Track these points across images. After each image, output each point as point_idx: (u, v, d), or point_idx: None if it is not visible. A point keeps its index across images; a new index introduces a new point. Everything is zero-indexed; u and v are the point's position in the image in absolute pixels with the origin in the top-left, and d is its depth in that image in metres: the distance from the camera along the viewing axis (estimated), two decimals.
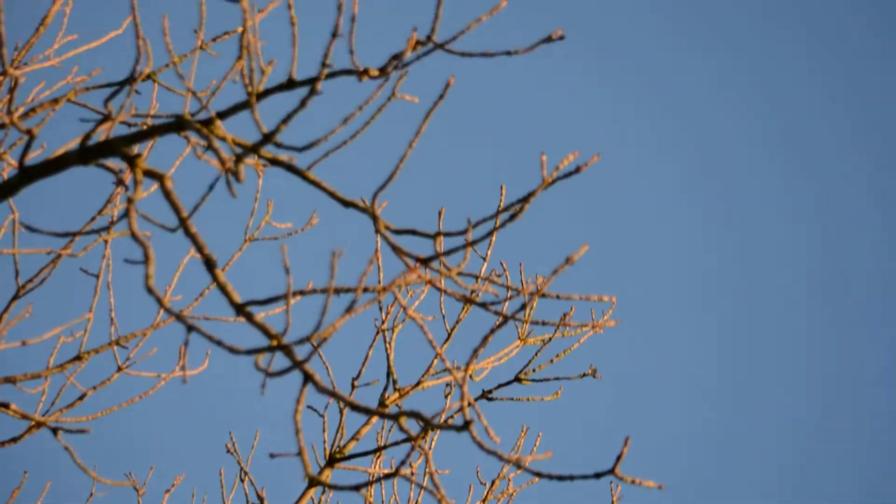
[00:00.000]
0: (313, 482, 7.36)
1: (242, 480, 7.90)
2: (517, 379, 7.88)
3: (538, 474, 3.78)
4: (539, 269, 7.49)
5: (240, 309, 3.94)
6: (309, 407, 7.89)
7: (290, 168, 4.17)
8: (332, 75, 4.05)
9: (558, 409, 8.06)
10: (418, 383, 7.77)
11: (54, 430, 5.49)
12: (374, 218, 4.15)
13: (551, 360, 7.83)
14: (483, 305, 4.25)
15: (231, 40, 6.14)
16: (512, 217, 4.09)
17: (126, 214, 4.05)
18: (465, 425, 3.62)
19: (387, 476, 3.82)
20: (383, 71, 4.08)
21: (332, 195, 4.20)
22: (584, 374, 7.87)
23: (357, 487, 3.71)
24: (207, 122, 4.19)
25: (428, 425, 3.72)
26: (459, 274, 4.20)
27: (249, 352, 3.75)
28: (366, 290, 3.89)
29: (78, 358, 6.65)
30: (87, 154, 4.29)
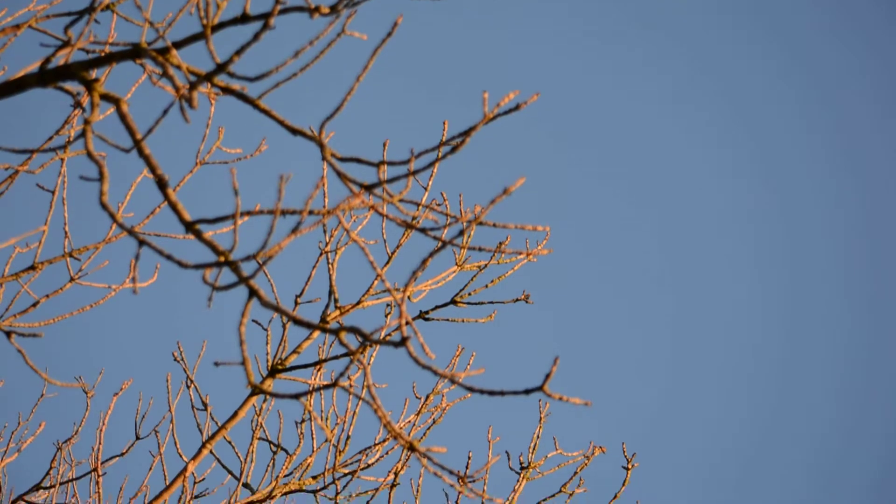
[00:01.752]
0: (255, 390, 7.58)
1: (188, 387, 8.08)
2: (453, 301, 8.08)
3: (471, 389, 3.84)
4: (478, 201, 7.70)
5: (189, 226, 4.03)
6: (253, 321, 8.06)
7: (241, 97, 4.30)
8: (284, 11, 4.16)
9: (492, 332, 8.27)
10: (359, 302, 7.94)
11: (7, 334, 5.57)
12: (321, 146, 4.27)
13: (486, 286, 8.02)
14: (423, 231, 4.38)
15: None
16: (453, 149, 4.17)
17: (83, 135, 4.16)
18: (403, 341, 3.72)
19: (326, 386, 3.96)
20: (334, 9, 4.21)
21: (281, 123, 4.34)
22: (517, 300, 8.05)
23: (297, 396, 3.84)
24: (164, 51, 4.32)
25: (367, 340, 3.80)
26: (401, 201, 4.29)
27: (197, 266, 3.84)
28: (311, 212, 3.99)
29: (32, 268, 6.81)
30: (46, 77, 4.40)
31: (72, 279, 6.93)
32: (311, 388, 4.36)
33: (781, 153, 20.02)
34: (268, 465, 8.16)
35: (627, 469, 7.85)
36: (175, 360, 8.13)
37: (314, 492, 8.18)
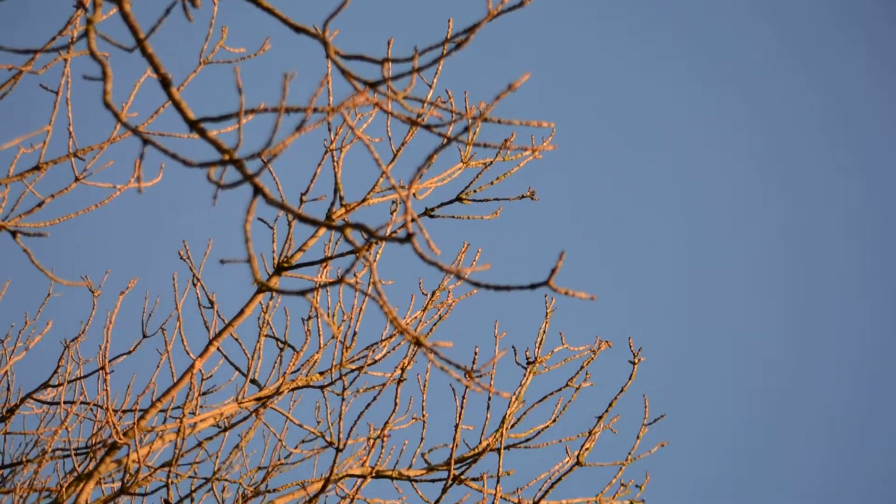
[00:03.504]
0: (262, 288, 7.61)
1: (194, 286, 8.11)
2: (459, 199, 8.08)
3: (477, 284, 3.79)
4: (483, 98, 7.67)
5: (193, 125, 3.99)
6: (259, 219, 8.07)
7: None
8: None
9: (498, 230, 8.29)
10: (364, 200, 7.95)
11: (13, 234, 5.58)
12: (325, 44, 4.25)
13: (492, 183, 8.02)
14: (428, 127, 4.36)
15: None
16: (457, 46, 4.13)
17: (86, 34, 4.12)
18: (408, 237, 3.69)
19: (332, 283, 3.97)
20: None
21: (284, 22, 4.31)
22: (523, 196, 8.06)
23: (303, 293, 3.85)
24: None
25: (372, 237, 3.78)
26: (406, 98, 4.27)
27: (202, 165, 3.80)
28: (315, 110, 3.98)
29: (37, 168, 6.81)
30: None
31: (77, 179, 6.94)
32: (317, 285, 4.37)
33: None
34: (275, 362, 8.22)
35: (634, 363, 7.88)
36: (181, 258, 8.15)
37: (321, 387, 8.24)
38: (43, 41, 6.33)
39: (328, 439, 8.31)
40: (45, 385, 8.87)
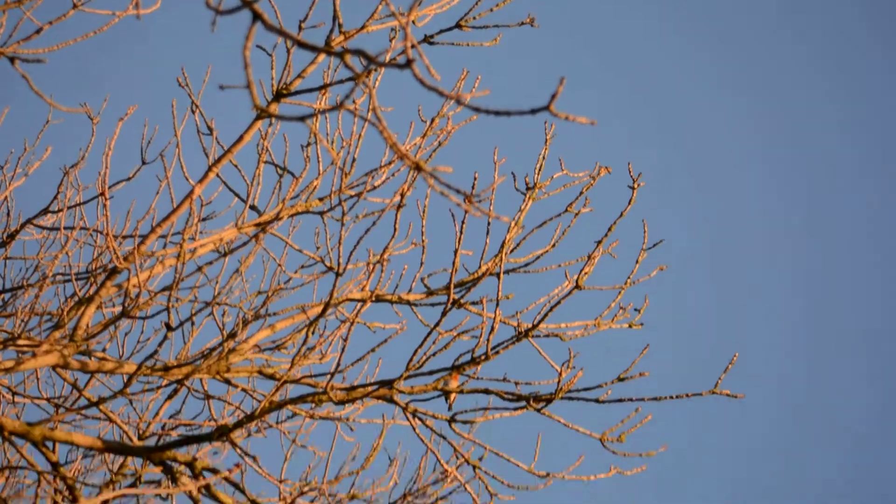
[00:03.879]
0: (261, 114, 7.60)
1: (193, 112, 8.09)
2: (458, 25, 8.02)
3: (476, 109, 3.76)
4: None
5: None
6: (257, 46, 8.04)
7: None
8: None
9: (498, 57, 8.25)
10: (363, 27, 7.90)
11: (11, 60, 5.57)
12: None
13: (491, 9, 7.96)
14: None
15: None
16: None
17: None
18: (408, 63, 3.65)
19: (331, 109, 3.97)
20: None
21: None
22: (522, 23, 8.00)
23: (302, 118, 3.84)
24: None
25: (372, 63, 3.75)
26: None
27: None
28: None
29: None
30: None
31: (74, 6, 6.89)
32: (315, 112, 4.38)
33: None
34: (274, 188, 8.24)
35: (633, 188, 7.90)
36: (179, 85, 8.12)
37: (320, 213, 8.28)
38: None
39: (328, 264, 8.37)
40: (45, 211, 8.90)
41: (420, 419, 7.25)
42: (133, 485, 7.85)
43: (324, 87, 7.70)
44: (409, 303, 8.22)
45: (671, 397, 6.99)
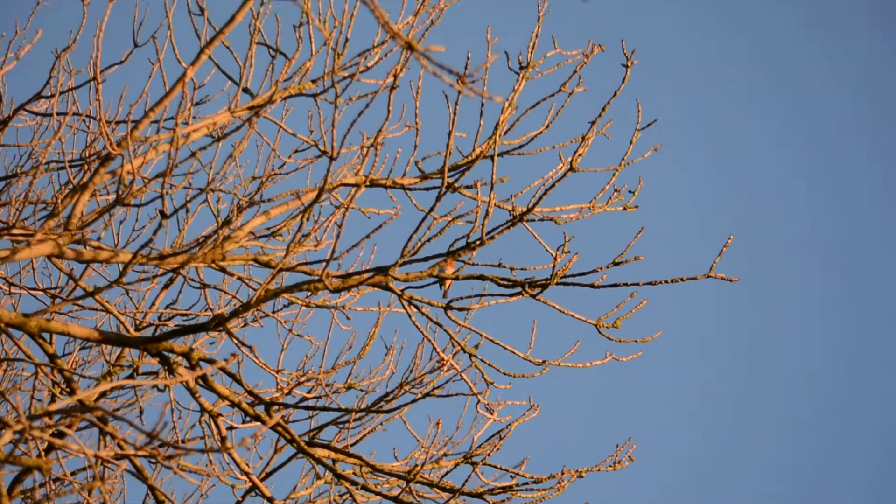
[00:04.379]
0: None
1: None
2: None
3: None
4: None
5: None
6: None
7: None
8: None
9: None
10: None
11: None
12: None
13: None
14: None
15: None
16: None
17: None
18: None
19: None
20: None
21: None
22: None
23: None
24: None
25: None
26: None
27: None
28: None
29: None
30: None
31: None
32: None
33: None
34: (267, 70, 8.16)
35: (627, 66, 7.82)
36: None
37: (314, 95, 8.21)
38: None
39: (322, 148, 8.33)
40: (38, 96, 8.84)
41: (416, 307, 7.26)
42: (130, 376, 7.90)
43: None
44: (403, 187, 8.19)
45: (667, 281, 6.99)
